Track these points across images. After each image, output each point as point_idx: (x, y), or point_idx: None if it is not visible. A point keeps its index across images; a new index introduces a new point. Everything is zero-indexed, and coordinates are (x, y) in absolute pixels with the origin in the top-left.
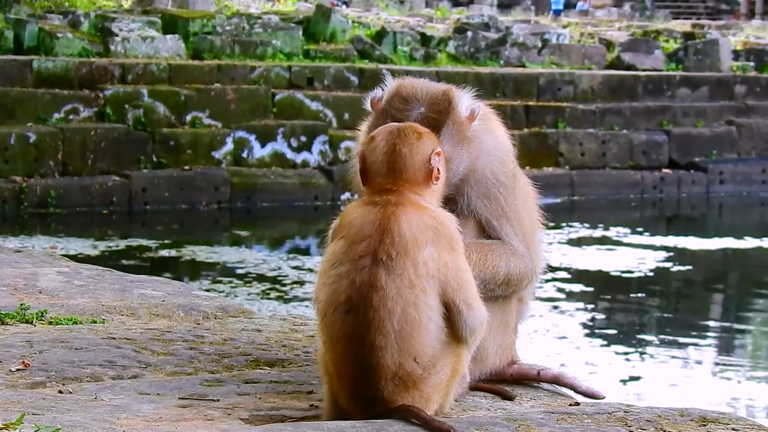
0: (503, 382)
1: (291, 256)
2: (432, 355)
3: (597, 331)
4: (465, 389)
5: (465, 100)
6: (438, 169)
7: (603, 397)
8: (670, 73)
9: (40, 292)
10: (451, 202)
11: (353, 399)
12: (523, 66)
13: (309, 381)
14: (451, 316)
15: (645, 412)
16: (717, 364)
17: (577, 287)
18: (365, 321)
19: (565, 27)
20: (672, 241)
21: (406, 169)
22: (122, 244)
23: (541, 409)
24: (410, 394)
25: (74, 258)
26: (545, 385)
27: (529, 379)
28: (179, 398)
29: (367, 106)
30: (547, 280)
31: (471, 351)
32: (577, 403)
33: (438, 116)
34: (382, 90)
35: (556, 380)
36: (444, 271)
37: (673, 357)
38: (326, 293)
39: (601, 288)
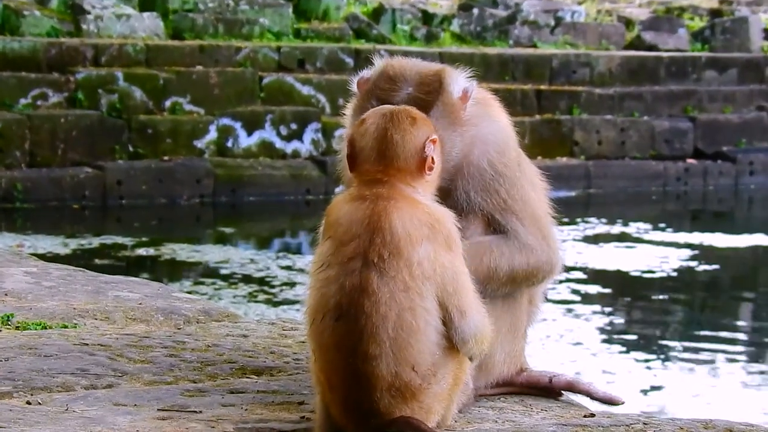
0: (512, 391)
1: (280, 255)
2: (432, 363)
3: (615, 336)
4: (469, 398)
5: (458, 79)
6: (432, 158)
7: (622, 403)
8: (696, 54)
9: (6, 294)
10: (446, 196)
11: (347, 411)
12: (535, 46)
13: (300, 391)
14: (444, 322)
15: (666, 423)
16: (745, 372)
17: (594, 288)
18: (357, 328)
19: (580, 3)
20: (697, 238)
21: (397, 157)
22: (95, 241)
23: (553, 421)
24: (409, 406)
25: (43, 257)
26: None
27: (541, 388)
28: (158, 410)
29: (354, 87)
30: (561, 281)
31: (477, 360)
32: (593, 414)
33: (426, 96)
34: (370, 71)
35: (570, 387)
36: (441, 272)
37: (698, 364)
38: (314, 298)
39: (620, 289)
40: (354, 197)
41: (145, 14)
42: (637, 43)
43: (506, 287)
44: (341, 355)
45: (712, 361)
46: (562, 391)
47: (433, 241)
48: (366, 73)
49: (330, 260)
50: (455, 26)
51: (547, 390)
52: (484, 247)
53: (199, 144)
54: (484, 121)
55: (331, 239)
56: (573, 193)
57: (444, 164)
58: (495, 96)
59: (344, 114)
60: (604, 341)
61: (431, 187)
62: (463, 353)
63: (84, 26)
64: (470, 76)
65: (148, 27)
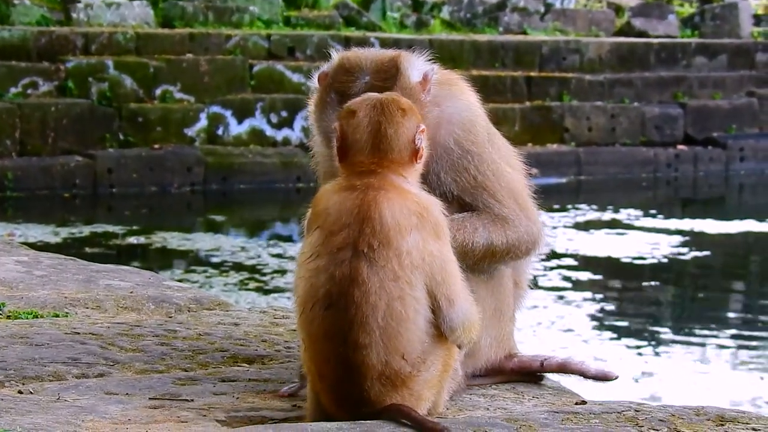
0: (502, 376)
1: (271, 243)
2: (421, 351)
3: (606, 323)
4: (459, 385)
5: (415, 64)
6: (422, 148)
7: (616, 377)
8: (686, 40)
9: None
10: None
11: (337, 400)
12: (525, 33)
13: (291, 379)
14: (432, 311)
15: (658, 410)
16: (737, 358)
17: (585, 275)
18: (347, 318)
19: None
20: (688, 224)
21: (391, 150)
22: (86, 230)
23: (545, 408)
24: (399, 393)
25: (34, 246)
26: (549, 383)
27: (533, 371)
28: (150, 398)
29: (315, 82)
30: (552, 268)
31: (466, 347)
32: (584, 402)
33: (384, 84)
34: (328, 65)
35: (563, 368)
36: (429, 261)
37: (690, 351)
38: (303, 288)
39: (611, 276)
40: (343, 187)
41: (135, 2)
42: (626, 30)
43: (485, 262)
44: (331, 345)
45: (703, 348)
46: (556, 374)
47: (421, 230)
48: (324, 68)
49: (319, 250)
50: (445, 13)
51: (540, 374)
52: (457, 223)
53: (190, 132)
54: (448, 101)
55: (320, 229)
56: (563, 180)
57: None
58: (477, 88)
59: (308, 109)
60: (595, 328)
61: (418, 175)
62: (451, 341)
63: (74, 15)
64: (429, 59)
65: (138, 15)
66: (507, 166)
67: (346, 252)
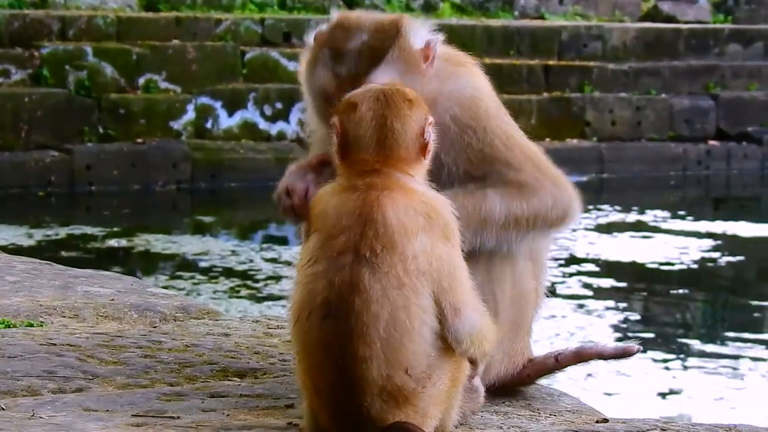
0: (519, 384)
1: (264, 246)
2: (427, 365)
3: (630, 334)
4: (478, 405)
5: (419, 30)
6: (431, 142)
7: (638, 350)
8: (718, 25)
9: None
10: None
11: (336, 418)
12: (542, 18)
13: (286, 394)
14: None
15: (685, 429)
16: None
17: (607, 282)
18: (346, 328)
19: None
20: (720, 226)
21: (399, 147)
22: (63, 232)
23: (563, 427)
24: (402, 411)
25: (5, 249)
26: (567, 400)
27: (550, 371)
28: (132, 415)
29: (311, 41)
30: (571, 274)
31: (481, 362)
32: (606, 420)
33: (381, 44)
34: (327, 23)
35: (579, 357)
36: (437, 266)
37: (722, 365)
38: (300, 295)
39: (636, 283)
40: (344, 188)
41: None
42: (653, 14)
43: (509, 233)
44: (328, 357)
45: (736, 362)
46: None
47: (429, 232)
48: (323, 27)
49: (317, 254)
50: None
51: (557, 371)
52: (470, 196)
53: (176, 125)
54: (450, 78)
55: (319, 232)
56: (584, 178)
57: None
58: (491, 77)
59: (299, 69)
60: (618, 339)
61: (425, 171)
62: (458, 354)
63: None
64: (435, 30)
65: None
66: (519, 134)
67: (346, 256)
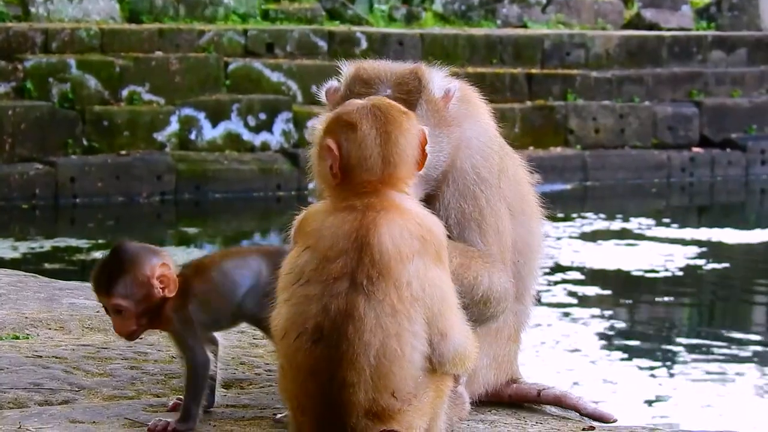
0: (500, 403)
1: None
2: (413, 386)
3: (616, 342)
4: (464, 412)
5: (437, 78)
6: (427, 154)
7: (614, 421)
8: (701, 32)
9: None
10: (430, 203)
11: None
12: (525, 26)
13: (272, 405)
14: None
15: None
16: (759, 380)
17: (592, 290)
18: (336, 355)
19: None
20: (705, 233)
21: (403, 163)
22: (47, 244)
23: None
24: (388, 426)
25: None
26: (553, 407)
27: (530, 401)
28: (119, 427)
29: (323, 99)
30: (556, 282)
31: (462, 377)
32: (592, 428)
33: (408, 97)
34: (339, 80)
35: (559, 401)
36: (429, 292)
37: (707, 372)
38: (288, 314)
39: (621, 291)
40: (339, 208)
41: None
42: (636, 22)
43: (477, 307)
44: (316, 380)
45: (722, 369)
46: (552, 405)
47: (423, 255)
48: (334, 83)
49: (311, 275)
50: (438, 5)
51: (536, 404)
52: (471, 251)
53: (160, 137)
54: (468, 122)
55: (312, 250)
56: (568, 186)
57: (432, 172)
58: (474, 86)
59: (315, 129)
60: (604, 347)
61: (415, 186)
62: (440, 373)
63: (32, 9)
64: (448, 75)
65: (102, 9)
66: (507, 211)
67: (342, 283)
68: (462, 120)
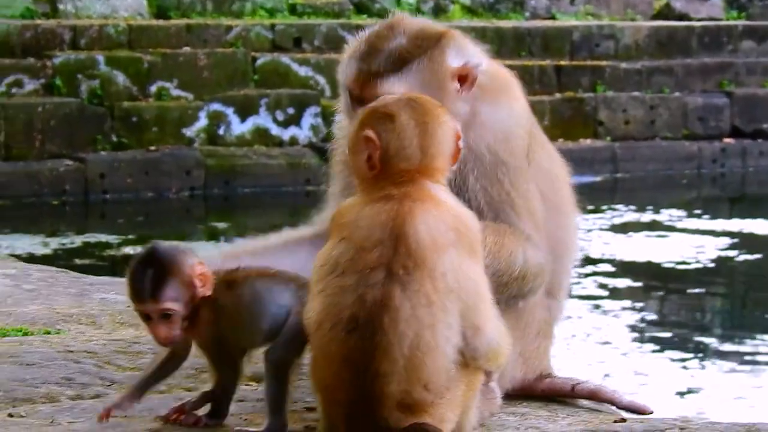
0: (532, 397)
1: None
2: (446, 379)
3: (647, 334)
4: (495, 407)
5: (464, 48)
6: (461, 149)
7: (651, 412)
8: (731, 22)
9: None
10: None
11: (352, 425)
12: (553, 18)
13: (304, 398)
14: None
15: (704, 428)
16: None
17: (623, 282)
18: (371, 345)
19: None
20: (736, 224)
21: (439, 154)
22: (78, 240)
23: (581, 427)
24: (420, 419)
25: (21, 258)
26: (584, 399)
27: (563, 396)
28: (150, 421)
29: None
30: (587, 275)
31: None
32: (624, 420)
33: (413, 50)
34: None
35: (594, 395)
36: (464, 284)
37: (739, 364)
38: (323, 304)
39: (652, 283)
40: (375, 198)
41: None
42: (666, 12)
43: (515, 283)
44: (349, 371)
45: (754, 360)
46: (586, 400)
47: (458, 247)
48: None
49: (347, 266)
50: None
51: (570, 398)
52: (504, 229)
53: (188, 132)
54: (490, 104)
55: (346, 241)
56: (598, 178)
57: None
58: (513, 74)
59: (340, 125)
60: (635, 340)
61: (447, 179)
62: (473, 367)
63: (61, 6)
64: (485, 51)
65: (130, 6)
66: (545, 184)
67: (378, 273)
68: (483, 101)
